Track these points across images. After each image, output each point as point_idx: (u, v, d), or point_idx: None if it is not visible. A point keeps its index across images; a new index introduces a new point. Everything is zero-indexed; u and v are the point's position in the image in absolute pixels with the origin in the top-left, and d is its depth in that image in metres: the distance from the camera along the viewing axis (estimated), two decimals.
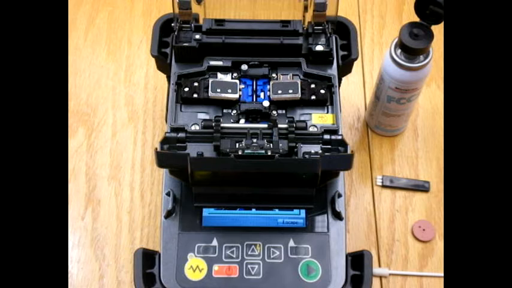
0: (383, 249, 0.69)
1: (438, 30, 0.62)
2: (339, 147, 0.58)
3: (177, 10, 0.62)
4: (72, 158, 0.74)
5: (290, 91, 0.60)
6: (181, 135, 0.58)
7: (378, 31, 0.85)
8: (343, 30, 0.66)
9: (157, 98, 0.79)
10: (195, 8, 0.63)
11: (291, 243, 0.57)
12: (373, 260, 0.58)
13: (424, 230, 0.70)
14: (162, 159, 0.55)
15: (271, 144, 0.57)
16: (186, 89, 0.61)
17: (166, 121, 0.68)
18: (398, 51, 0.64)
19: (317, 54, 0.63)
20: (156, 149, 0.55)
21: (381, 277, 0.68)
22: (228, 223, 0.58)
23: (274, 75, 0.62)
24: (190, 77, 0.62)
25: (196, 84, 0.61)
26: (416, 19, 0.62)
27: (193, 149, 0.58)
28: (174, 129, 0.59)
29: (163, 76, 0.69)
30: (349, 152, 0.57)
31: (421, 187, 0.73)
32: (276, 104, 0.61)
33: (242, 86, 0.61)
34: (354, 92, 0.80)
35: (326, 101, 0.61)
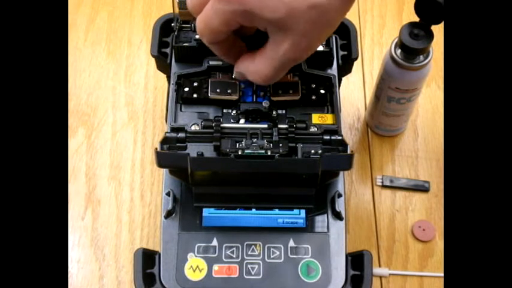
0: (383, 249, 0.69)
1: (438, 30, 0.62)
2: (339, 147, 0.58)
3: (177, 10, 0.62)
4: (72, 158, 0.74)
5: (290, 91, 0.60)
6: (181, 135, 0.58)
7: (378, 31, 0.85)
8: (343, 30, 0.66)
9: (157, 98, 0.79)
10: None
11: (291, 243, 0.57)
12: (373, 260, 0.58)
13: (424, 230, 0.70)
14: (162, 159, 0.55)
15: (271, 144, 0.57)
16: (186, 89, 0.61)
17: (166, 121, 0.68)
18: (398, 51, 0.64)
19: (317, 54, 0.62)
20: (156, 149, 0.55)
21: (381, 277, 0.68)
22: (228, 223, 0.58)
23: None
24: (190, 77, 0.62)
25: (196, 84, 0.61)
26: (416, 19, 0.62)
27: (193, 149, 0.58)
28: (174, 129, 0.59)
29: (163, 76, 0.69)
30: (349, 152, 0.57)
31: (421, 187, 0.73)
32: (276, 104, 0.61)
33: (242, 86, 0.61)
34: (354, 92, 0.80)
35: (326, 101, 0.61)
